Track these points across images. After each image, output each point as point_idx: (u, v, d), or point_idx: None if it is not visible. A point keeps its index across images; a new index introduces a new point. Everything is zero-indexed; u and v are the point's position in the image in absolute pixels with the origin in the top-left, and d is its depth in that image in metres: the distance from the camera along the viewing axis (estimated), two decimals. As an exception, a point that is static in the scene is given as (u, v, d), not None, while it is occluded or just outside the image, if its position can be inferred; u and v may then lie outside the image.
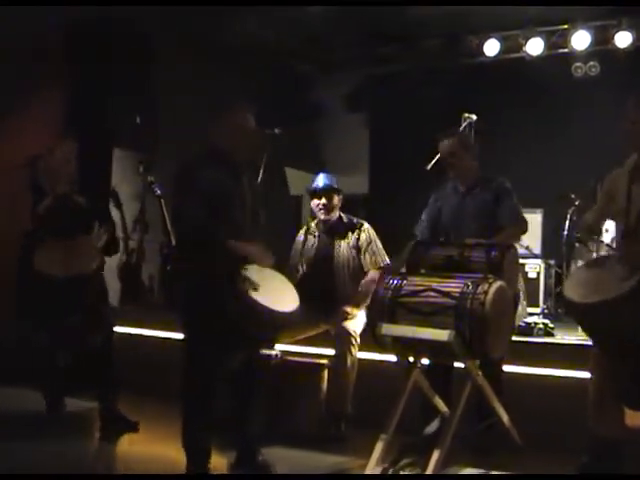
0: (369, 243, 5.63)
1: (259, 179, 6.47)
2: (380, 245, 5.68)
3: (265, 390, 4.56)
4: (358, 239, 5.63)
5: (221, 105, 4.47)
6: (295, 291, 4.40)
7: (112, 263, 7.06)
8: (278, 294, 4.24)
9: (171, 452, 4.51)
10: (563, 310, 7.78)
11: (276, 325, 4.27)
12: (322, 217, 5.69)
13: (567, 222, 7.97)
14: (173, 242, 7.55)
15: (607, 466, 4.02)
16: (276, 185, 8.45)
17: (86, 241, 5.20)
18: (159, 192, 7.60)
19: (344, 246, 5.63)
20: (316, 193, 5.66)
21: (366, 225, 5.72)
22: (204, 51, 8.44)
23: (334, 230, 5.70)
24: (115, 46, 8.11)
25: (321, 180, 5.68)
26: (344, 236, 5.66)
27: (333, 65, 9.53)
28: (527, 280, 7.69)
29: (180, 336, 4.44)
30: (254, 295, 4.05)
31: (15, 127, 7.88)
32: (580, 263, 7.65)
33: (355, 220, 5.74)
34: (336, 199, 5.67)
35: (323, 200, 5.63)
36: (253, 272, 4.18)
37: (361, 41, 9.11)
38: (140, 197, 8.05)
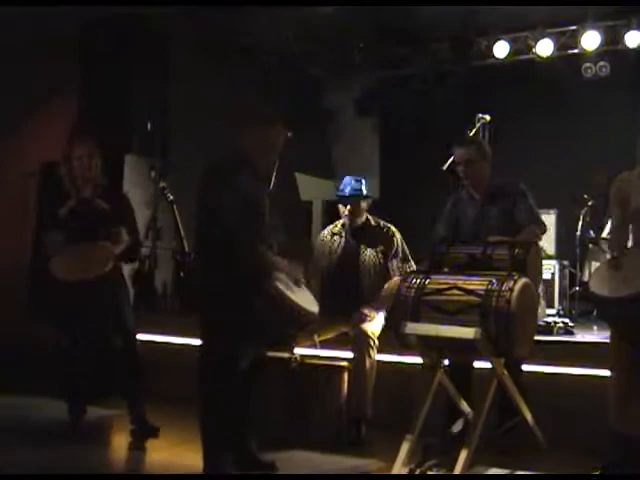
0: (396, 249, 5.56)
1: (272, 184, 6.44)
2: (407, 250, 5.60)
3: (285, 393, 4.52)
4: (385, 244, 5.56)
5: (255, 117, 4.45)
6: (314, 299, 4.41)
7: (125, 270, 7.03)
8: (302, 297, 4.26)
9: (191, 457, 4.48)
10: (578, 311, 7.75)
11: (302, 322, 4.29)
12: (347, 221, 5.63)
13: (580, 223, 7.97)
14: (186, 248, 7.55)
15: (632, 465, 3.97)
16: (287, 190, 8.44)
17: (102, 245, 5.10)
18: (171, 198, 7.58)
19: (370, 251, 5.55)
20: (342, 200, 5.61)
21: (393, 229, 5.64)
22: (215, 54, 8.43)
23: (361, 234, 5.61)
24: (127, 48, 8.12)
25: (348, 186, 5.59)
26: (371, 241, 5.57)
27: (343, 68, 9.50)
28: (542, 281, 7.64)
29: (194, 342, 4.41)
30: (284, 290, 4.09)
31: (26, 132, 7.90)
32: (594, 264, 7.64)
33: (382, 224, 5.65)
34: (363, 204, 5.60)
35: (349, 207, 5.57)
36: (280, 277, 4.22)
37: (371, 44, 9.10)
38: (152, 203, 8.02)
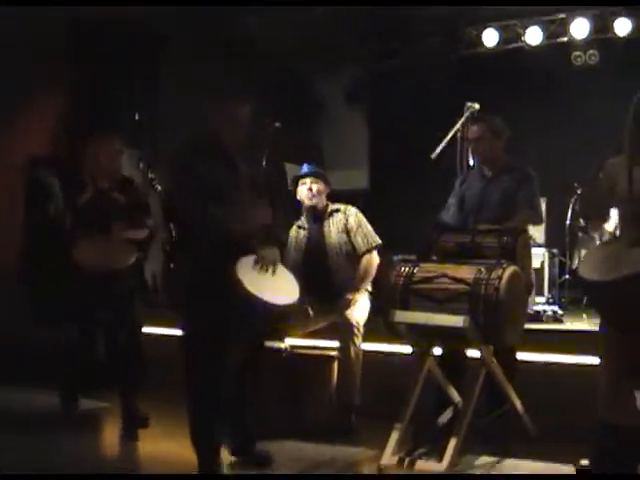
0: (359, 226, 5.61)
1: (260, 173, 6.44)
2: (370, 227, 5.65)
3: (274, 383, 4.52)
4: (347, 223, 5.61)
5: (218, 95, 4.40)
6: (296, 283, 4.36)
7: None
8: (277, 286, 4.19)
9: (179, 447, 4.50)
10: (567, 299, 7.76)
11: (272, 318, 4.22)
12: (309, 203, 5.66)
13: (570, 211, 7.98)
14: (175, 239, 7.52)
15: (620, 454, 3.93)
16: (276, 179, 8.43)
17: (123, 237, 5.17)
18: (160, 189, 7.56)
19: (334, 231, 5.61)
20: (302, 177, 5.65)
21: (353, 209, 5.70)
22: (205, 46, 8.40)
23: (322, 218, 5.67)
24: (114, 43, 8.10)
25: (306, 166, 5.71)
26: (333, 222, 5.64)
27: (333, 60, 9.48)
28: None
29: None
30: (250, 287, 4.01)
31: (15, 125, 7.87)
32: (584, 252, 7.64)
33: (342, 207, 5.71)
34: (322, 184, 5.65)
35: (308, 184, 5.61)
36: (252, 264, 4.16)
37: (360, 36, 9.07)
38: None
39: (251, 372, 4.48)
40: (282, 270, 4.36)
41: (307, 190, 5.62)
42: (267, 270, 4.21)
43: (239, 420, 4.47)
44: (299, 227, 5.78)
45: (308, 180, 5.62)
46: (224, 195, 4.19)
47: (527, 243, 4.72)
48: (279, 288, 4.19)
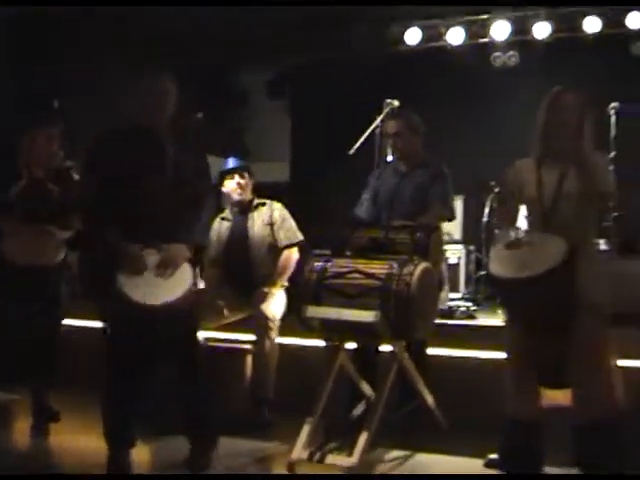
0: (283, 220, 5.65)
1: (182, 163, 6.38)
2: (293, 223, 5.70)
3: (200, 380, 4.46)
4: (271, 215, 5.65)
5: (138, 77, 4.23)
6: (189, 275, 4.11)
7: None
8: (164, 282, 4.02)
9: (93, 442, 4.43)
10: (483, 295, 7.87)
11: (154, 318, 4.01)
12: (236, 197, 5.67)
13: (486, 209, 8.11)
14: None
15: (526, 449, 3.99)
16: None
17: (52, 231, 5.04)
18: (77, 177, 7.44)
19: (258, 224, 5.63)
20: (228, 172, 5.66)
21: (278, 204, 5.74)
22: (124, 37, 8.30)
23: (247, 211, 5.69)
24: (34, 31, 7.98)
25: (231, 161, 5.73)
26: (258, 215, 5.67)
27: (254, 52, 9.43)
28: (448, 265, 7.73)
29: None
30: (127, 289, 3.92)
31: None
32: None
33: (268, 201, 5.74)
34: (248, 178, 5.68)
35: (236, 179, 5.63)
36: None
37: (283, 29, 9.03)
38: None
39: (177, 372, 4.34)
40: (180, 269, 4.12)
41: (235, 184, 5.63)
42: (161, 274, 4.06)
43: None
44: (222, 219, 5.76)
45: (235, 175, 5.64)
46: (139, 184, 4.08)
47: (440, 240, 4.79)
48: (165, 285, 4.02)
